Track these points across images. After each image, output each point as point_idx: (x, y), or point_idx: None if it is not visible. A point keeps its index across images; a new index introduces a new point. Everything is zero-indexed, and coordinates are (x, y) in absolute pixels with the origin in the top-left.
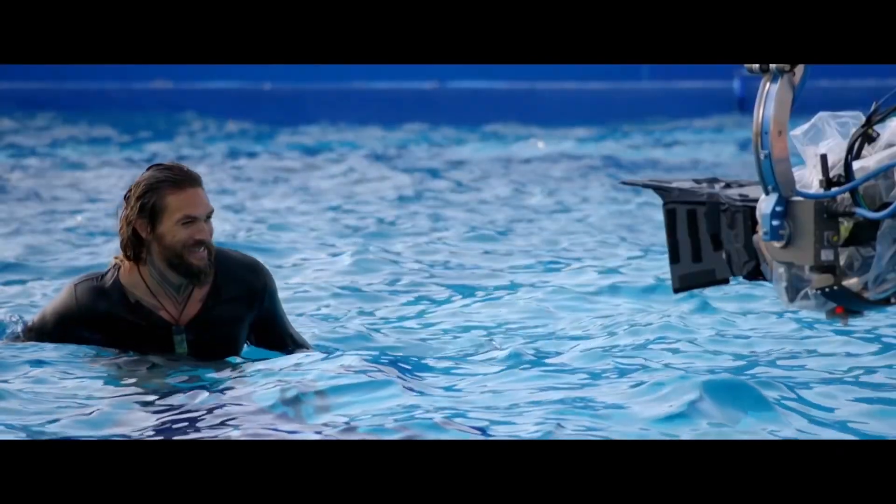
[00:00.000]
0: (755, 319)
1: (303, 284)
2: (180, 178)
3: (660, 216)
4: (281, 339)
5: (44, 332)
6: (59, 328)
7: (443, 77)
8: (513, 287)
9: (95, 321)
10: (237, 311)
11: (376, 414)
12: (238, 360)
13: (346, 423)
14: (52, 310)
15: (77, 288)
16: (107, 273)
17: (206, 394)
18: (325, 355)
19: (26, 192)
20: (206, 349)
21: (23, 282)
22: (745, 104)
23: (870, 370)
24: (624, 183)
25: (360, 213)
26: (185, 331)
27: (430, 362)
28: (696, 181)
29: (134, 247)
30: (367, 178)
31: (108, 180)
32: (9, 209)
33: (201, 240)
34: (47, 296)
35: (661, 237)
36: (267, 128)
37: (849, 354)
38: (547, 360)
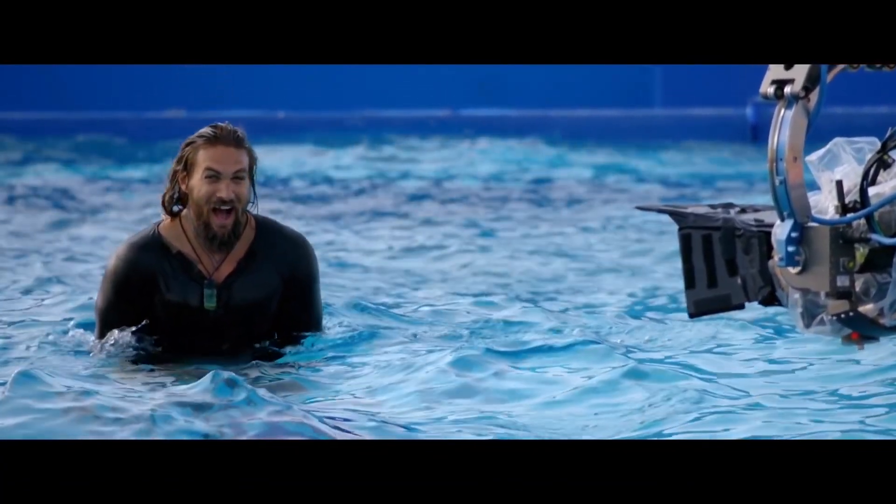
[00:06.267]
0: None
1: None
2: (216, 135)
3: (674, 242)
4: (291, 324)
5: (109, 308)
6: (115, 296)
7: (455, 105)
8: (535, 306)
9: (141, 276)
10: (269, 280)
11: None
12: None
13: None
14: (104, 282)
15: (119, 250)
16: (145, 230)
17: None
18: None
19: (41, 219)
20: (235, 311)
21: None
22: (758, 131)
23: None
24: (639, 208)
25: (381, 237)
26: (216, 287)
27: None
28: (712, 206)
29: (176, 200)
30: (384, 205)
31: (125, 211)
32: (24, 234)
33: (221, 198)
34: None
35: (676, 262)
36: (281, 155)
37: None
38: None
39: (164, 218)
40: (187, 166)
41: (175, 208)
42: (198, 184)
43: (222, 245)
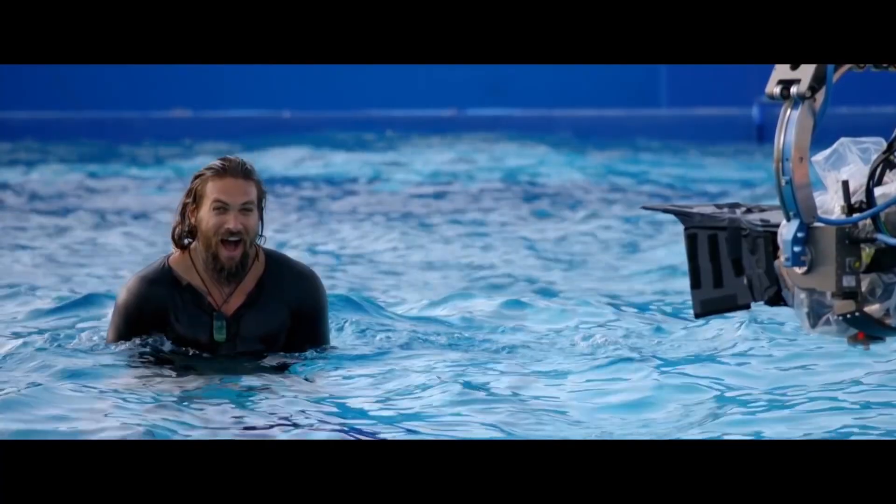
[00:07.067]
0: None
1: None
2: (224, 167)
3: (680, 242)
4: (298, 352)
5: (119, 341)
6: (126, 329)
7: (461, 105)
8: (541, 307)
9: (152, 310)
10: (278, 314)
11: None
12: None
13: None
14: (115, 314)
15: (129, 284)
16: (155, 263)
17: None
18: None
19: (44, 219)
20: (244, 343)
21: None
22: (763, 131)
23: None
24: (645, 208)
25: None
26: (225, 319)
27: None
28: (718, 206)
29: (186, 233)
30: (387, 205)
31: (129, 211)
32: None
33: (229, 229)
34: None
35: (682, 262)
36: (287, 156)
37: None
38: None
39: (175, 251)
40: (196, 198)
41: (185, 241)
42: (206, 215)
43: (231, 277)
